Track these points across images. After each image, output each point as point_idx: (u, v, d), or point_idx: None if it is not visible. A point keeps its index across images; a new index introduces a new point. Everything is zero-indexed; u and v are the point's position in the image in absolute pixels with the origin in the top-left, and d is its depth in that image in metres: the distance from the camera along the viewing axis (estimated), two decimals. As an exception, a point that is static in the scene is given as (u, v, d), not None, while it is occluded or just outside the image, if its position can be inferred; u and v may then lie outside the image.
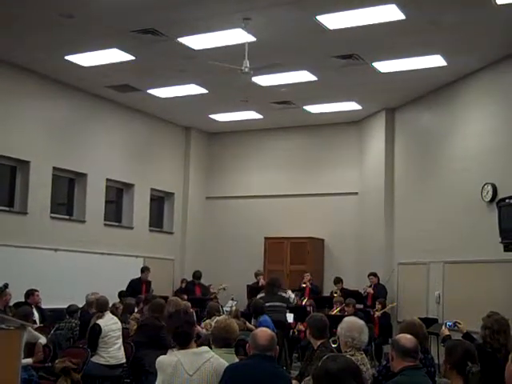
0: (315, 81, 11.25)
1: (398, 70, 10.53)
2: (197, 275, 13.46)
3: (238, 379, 4.07)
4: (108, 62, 10.62)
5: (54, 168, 11.96)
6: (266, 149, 15.11)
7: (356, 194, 14.03)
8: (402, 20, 8.52)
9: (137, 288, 11.70)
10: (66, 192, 12.82)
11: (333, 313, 10.64)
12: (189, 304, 9.32)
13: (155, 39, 9.52)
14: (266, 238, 14.33)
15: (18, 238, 10.94)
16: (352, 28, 8.81)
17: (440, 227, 11.08)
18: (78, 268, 11.76)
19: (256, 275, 12.75)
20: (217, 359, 4.22)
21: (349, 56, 10.00)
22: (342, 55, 10.00)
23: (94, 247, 12.38)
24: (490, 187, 9.88)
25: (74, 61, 10.67)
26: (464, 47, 9.59)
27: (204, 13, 8.59)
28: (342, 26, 8.81)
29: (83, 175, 12.64)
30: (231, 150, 15.49)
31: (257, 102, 12.82)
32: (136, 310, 9.49)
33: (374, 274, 12.14)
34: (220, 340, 4.60)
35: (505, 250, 8.72)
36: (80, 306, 9.36)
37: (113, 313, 8.13)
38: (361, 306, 11.44)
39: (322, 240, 14.26)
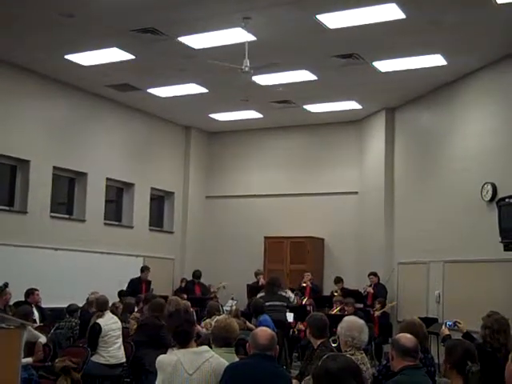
0: (315, 80, 11.25)
1: (398, 69, 10.52)
2: (197, 274, 13.47)
3: (238, 378, 4.07)
4: (108, 62, 10.61)
5: (54, 167, 11.95)
6: (266, 148, 15.11)
7: (356, 193, 14.02)
8: (402, 19, 8.51)
9: (137, 287, 11.70)
10: (66, 191, 12.82)
11: (333, 312, 10.65)
12: (189, 303, 9.33)
13: (155, 38, 9.52)
14: (265, 238, 14.33)
15: (17, 238, 10.94)
16: (352, 27, 8.80)
17: (440, 227, 11.07)
18: (78, 267, 11.76)
19: (256, 275, 12.74)
20: (216, 359, 4.22)
21: (349, 55, 10.00)
22: (342, 54, 9.99)
23: (94, 246, 12.38)
24: (489, 187, 9.87)
25: (74, 60, 10.66)
26: (464, 47, 9.59)
27: (204, 12, 8.58)
28: (342, 26, 8.81)
29: (83, 174, 12.64)
30: (231, 149, 15.49)
31: (257, 101, 12.81)
32: (136, 309, 9.48)
33: (374, 274, 12.14)
34: (220, 339, 4.61)
35: (505, 250, 8.72)
36: (80, 305, 9.35)
37: (113, 312, 8.12)
38: (361, 306, 11.45)
39: (322, 239, 14.26)
